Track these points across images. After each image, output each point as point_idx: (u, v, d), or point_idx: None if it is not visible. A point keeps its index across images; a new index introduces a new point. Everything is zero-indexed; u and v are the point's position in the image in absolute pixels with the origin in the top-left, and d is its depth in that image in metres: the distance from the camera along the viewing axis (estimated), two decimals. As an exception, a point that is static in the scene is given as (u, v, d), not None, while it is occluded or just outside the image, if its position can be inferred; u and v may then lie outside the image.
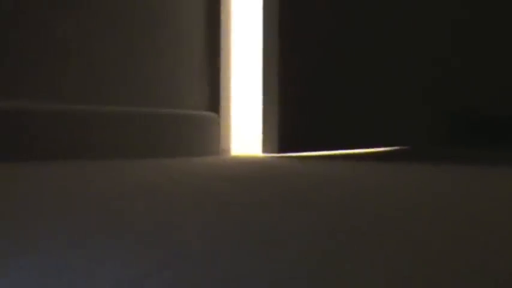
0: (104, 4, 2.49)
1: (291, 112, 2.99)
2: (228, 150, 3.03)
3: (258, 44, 4.58)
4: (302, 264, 0.60)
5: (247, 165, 2.30)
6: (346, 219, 0.94)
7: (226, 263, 0.58)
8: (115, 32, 2.53)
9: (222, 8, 2.99)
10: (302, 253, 0.65)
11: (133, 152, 2.58)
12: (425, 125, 3.74)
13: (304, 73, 3.05)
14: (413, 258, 0.62)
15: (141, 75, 2.64)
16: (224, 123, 3.01)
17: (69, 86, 2.38)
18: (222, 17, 2.98)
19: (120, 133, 2.52)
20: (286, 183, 1.61)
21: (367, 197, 1.30)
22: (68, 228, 0.81)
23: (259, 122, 4.56)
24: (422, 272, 0.55)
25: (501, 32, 3.70)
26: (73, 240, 0.71)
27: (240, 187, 1.49)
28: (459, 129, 3.69)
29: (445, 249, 0.65)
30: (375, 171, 2.06)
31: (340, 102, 3.25)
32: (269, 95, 2.94)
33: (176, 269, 0.55)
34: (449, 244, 0.68)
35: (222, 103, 2.99)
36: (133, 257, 0.61)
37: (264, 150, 2.99)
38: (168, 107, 2.76)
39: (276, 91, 2.92)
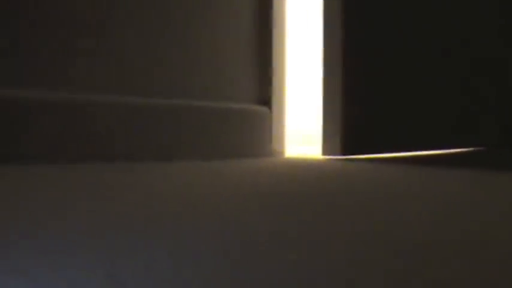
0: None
1: (355, 111, 2.53)
2: (281, 151, 2.59)
3: (316, 33, 4.13)
4: None
5: (308, 172, 1.85)
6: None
7: None
8: (147, 12, 2.11)
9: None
10: None
11: (159, 152, 2.15)
12: (500, 126, 3.26)
13: (370, 70, 2.60)
14: None
15: (173, 61, 2.22)
16: (277, 120, 2.57)
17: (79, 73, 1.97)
18: (275, 2, 2.54)
19: (143, 129, 2.10)
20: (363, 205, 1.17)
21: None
22: None
23: (318, 120, 4.10)
24: None
25: None
26: None
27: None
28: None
29: None
30: (437, 178, 1.60)
31: (408, 103, 2.79)
32: (331, 91, 2.49)
33: None
34: None
35: (275, 96, 2.55)
36: None
37: (325, 152, 2.54)
38: (207, 99, 2.33)
39: (339, 87, 2.47)
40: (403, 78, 2.73)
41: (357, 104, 2.53)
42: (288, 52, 4.11)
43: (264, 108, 2.51)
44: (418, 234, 0.78)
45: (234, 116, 2.38)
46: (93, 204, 1.00)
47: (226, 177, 1.55)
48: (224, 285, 0.52)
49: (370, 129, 2.60)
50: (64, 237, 0.72)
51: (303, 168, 1.88)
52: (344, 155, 2.50)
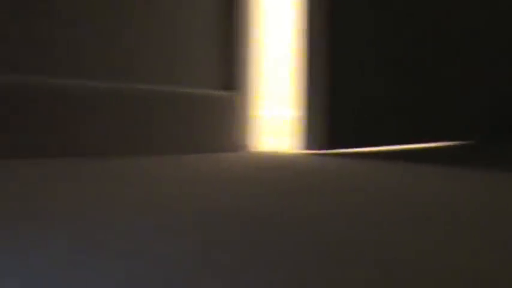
0: None
1: (340, 100, 2.09)
2: (248, 145, 2.13)
3: (292, 11, 3.67)
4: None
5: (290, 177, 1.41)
6: None
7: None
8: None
9: None
10: None
11: (92, 147, 1.69)
12: (489, 119, 2.86)
13: (357, 61, 2.16)
14: None
15: (117, 41, 1.75)
16: (244, 108, 2.11)
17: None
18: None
19: (72, 118, 1.64)
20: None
21: None
22: None
23: (294, 108, 3.63)
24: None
25: None
26: None
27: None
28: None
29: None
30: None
31: (397, 94, 2.37)
32: (316, 77, 2.05)
33: None
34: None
35: (242, 81, 2.10)
36: None
37: (308, 146, 2.08)
38: (157, 82, 1.86)
39: (325, 73, 2.03)
40: (387, 69, 2.31)
41: (341, 93, 2.09)
42: (258, 32, 3.66)
43: (228, 94, 2.05)
44: None
45: (190, 102, 1.92)
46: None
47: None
48: None
49: (359, 121, 2.16)
50: None
51: (291, 175, 1.42)
52: (329, 149, 2.05)
